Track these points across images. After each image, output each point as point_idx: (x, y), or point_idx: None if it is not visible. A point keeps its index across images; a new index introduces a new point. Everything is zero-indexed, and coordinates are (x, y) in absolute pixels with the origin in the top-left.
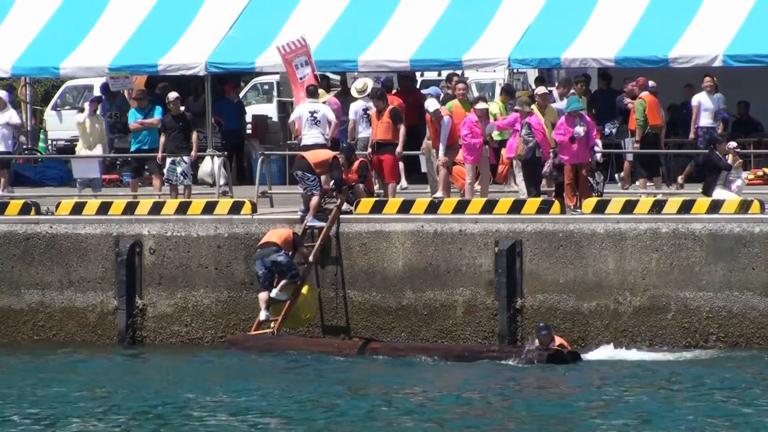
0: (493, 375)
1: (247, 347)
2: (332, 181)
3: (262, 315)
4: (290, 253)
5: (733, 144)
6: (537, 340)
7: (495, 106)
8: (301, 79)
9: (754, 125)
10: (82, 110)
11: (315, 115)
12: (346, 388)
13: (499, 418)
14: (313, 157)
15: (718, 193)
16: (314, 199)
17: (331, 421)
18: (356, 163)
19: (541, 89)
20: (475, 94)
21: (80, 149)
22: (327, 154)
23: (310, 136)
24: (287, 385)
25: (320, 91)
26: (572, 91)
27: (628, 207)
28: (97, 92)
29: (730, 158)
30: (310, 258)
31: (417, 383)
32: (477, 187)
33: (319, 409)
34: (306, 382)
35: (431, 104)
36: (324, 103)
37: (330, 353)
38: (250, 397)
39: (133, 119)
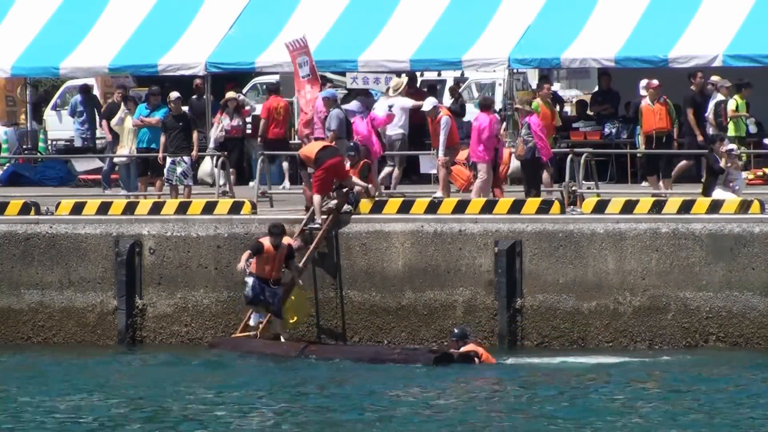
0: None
1: (222, 350)
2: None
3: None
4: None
5: (729, 147)
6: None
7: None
8: (302, 77)
9: (756, 124)
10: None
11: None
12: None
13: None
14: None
15: (717, 193)
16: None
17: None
18: (359, 164)
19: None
20: (475, 94)
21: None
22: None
23: None
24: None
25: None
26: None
27: (628, 207)
28: (95, 92)
29: (723, 161)
30: (301, 264)
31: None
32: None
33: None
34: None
35: (428, 104)
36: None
37: (280, 355)
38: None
39: (138, 116)
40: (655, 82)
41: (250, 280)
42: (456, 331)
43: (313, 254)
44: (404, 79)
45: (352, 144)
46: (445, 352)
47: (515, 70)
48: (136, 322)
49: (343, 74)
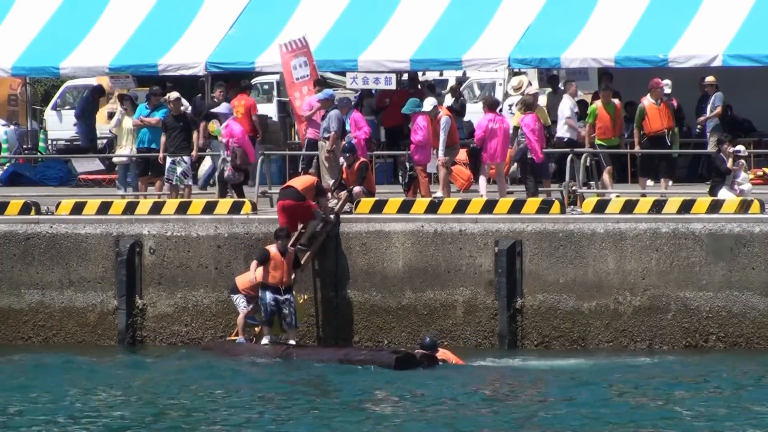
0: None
1: (213, 352)
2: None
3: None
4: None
5: (737, 148)
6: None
7: None
8: (297, 79)
9: (739, 124)
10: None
11: None
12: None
13: None
14: (240, 282)
15: (723, 194)
16: (240, 317)
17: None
18: (356, 164)
19: (531, 89)
20: (476, 93)
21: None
22: (247, 277)
23: None
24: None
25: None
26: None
27: (628, 207)
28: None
29: (730, 161)
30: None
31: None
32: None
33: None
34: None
35: (428, 104)
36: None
37: (264, 357)
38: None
39: (137, 115)
40: (660, 81)
41: (267, 296)
42: (427, 340)
43: (312, 255)
44: (525, 78)
45: (347, 145)
46: (408, 353)
47: (515, 70)
48: (136, 322)
49: (343, 74)
